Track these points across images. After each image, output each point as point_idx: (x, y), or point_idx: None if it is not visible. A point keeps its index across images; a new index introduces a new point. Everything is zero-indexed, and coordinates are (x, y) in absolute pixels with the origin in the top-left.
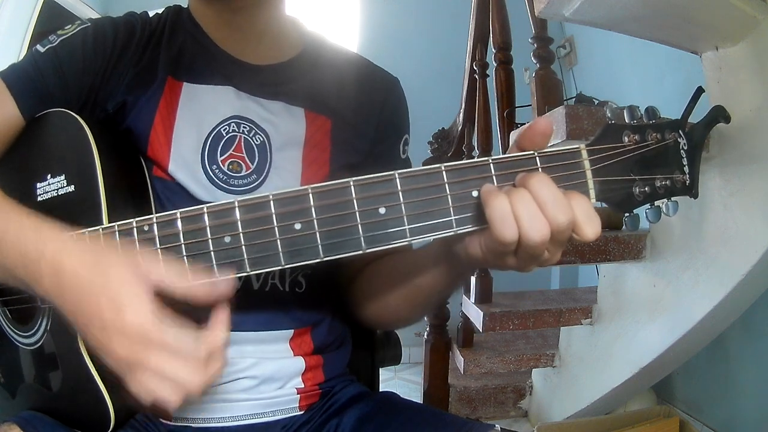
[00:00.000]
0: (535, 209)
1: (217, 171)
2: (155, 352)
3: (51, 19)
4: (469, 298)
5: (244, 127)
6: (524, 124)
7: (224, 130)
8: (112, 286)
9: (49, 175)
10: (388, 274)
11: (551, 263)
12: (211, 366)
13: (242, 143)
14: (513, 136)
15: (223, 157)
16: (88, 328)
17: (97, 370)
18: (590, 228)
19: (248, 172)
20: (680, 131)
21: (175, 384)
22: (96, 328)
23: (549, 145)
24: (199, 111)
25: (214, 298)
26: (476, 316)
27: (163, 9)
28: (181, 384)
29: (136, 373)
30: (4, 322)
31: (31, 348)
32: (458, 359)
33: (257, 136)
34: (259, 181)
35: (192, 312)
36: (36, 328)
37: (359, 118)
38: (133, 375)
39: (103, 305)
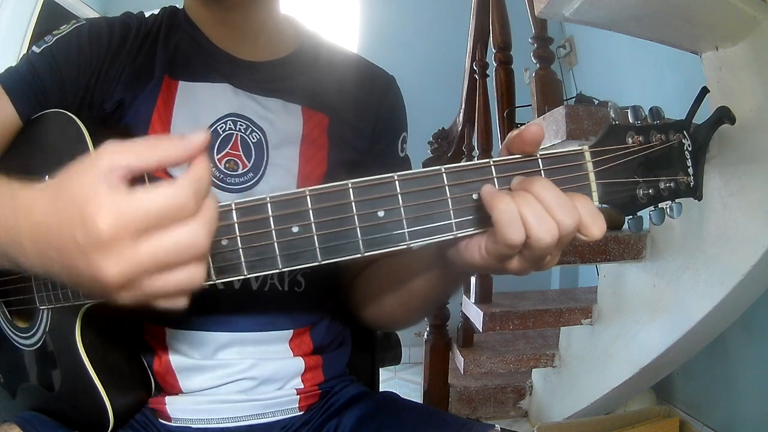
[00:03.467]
0: (541, 210)
1: (213, 169)
2: (143, 239)
3: (51, 19)
4: (469, 298)
5: (240, 124)
6: (524, 124)
7: (221, 128)
8: (74, 200)
9: (46, 176)
10: (384, 277)
11: (550, 267)
12: (205, 208)
13: (239, 141)
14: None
15: (219, 156)
16: (71, 264)
17: (96, 370)
18: (596, 227)
19: (245, 170)
20: (685, 132)
21: (177, 255)
22: (78, 259)
23: (549, 145)
24: (196, 109)
25: (191, 154)
26: (476, 316)
27: (159, 10)
28: (185, 251)
29: (141, 281)
30: (3, 323)
31: (31, 348)
32: (458, 359)
33: (254, 133)
34: (256, 179)
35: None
36: (35, 328)
37: (356, 115)
38: (138, 286)
39: (75, 228)
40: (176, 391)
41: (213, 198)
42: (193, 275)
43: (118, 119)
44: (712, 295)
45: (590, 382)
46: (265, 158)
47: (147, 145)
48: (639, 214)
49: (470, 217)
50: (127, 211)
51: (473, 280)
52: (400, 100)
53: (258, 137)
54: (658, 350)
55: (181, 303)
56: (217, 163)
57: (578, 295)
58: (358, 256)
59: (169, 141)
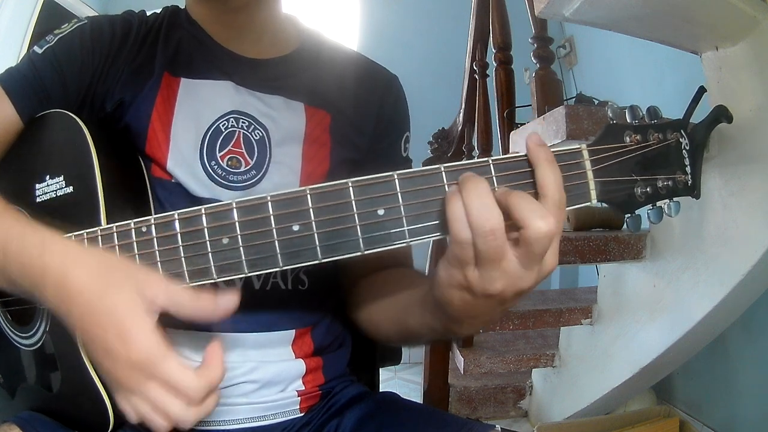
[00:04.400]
0: (480, 202)
1: (215, 167)
2: (155, 385)
3: (51, 19)
4: None
5: (243, 122)
6: (524, 124)
7: (223, 125)
8: (118, 313)
9: (47, 176)
10: (382, 301)
11: (525, 290)
12: (206, 403)
13: (241, 138)
14: (513, 136)
15: (222, 153)
16: (92, 346)
17: (96, 371)
18: (539, 220)
19: (247, 167)
20: (682, 131)
21: (166, 417)
22: (100, 351)
23: (549, 145)
24: (198, 106)
25: (218, 317)
26: None
27: (161, 9)
28: (172, 418)
29: (131, 397)
30: (3, 323)
31: (31, 349)
32: (458, 359)
33: (256, 131)
34: (259, 176)
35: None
36: (35, 329)
37: (358, 114)
38: (127, 397)
39: (109, 333)
40: None
41: (217, 396)
42: (165, 425)
43: (118, 119)
44: (712, 295)
45: (590, 382)
46: (268, 156)
47: (187, 296)
48: (637, 212)
49: None
50: (156, 362)
51: None
52: (403, 100)
53: (260, 134)
54: (658, 350)
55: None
56: (220, 161)
57: (578, 295)
58: (358, 254)
59: (205, 301)
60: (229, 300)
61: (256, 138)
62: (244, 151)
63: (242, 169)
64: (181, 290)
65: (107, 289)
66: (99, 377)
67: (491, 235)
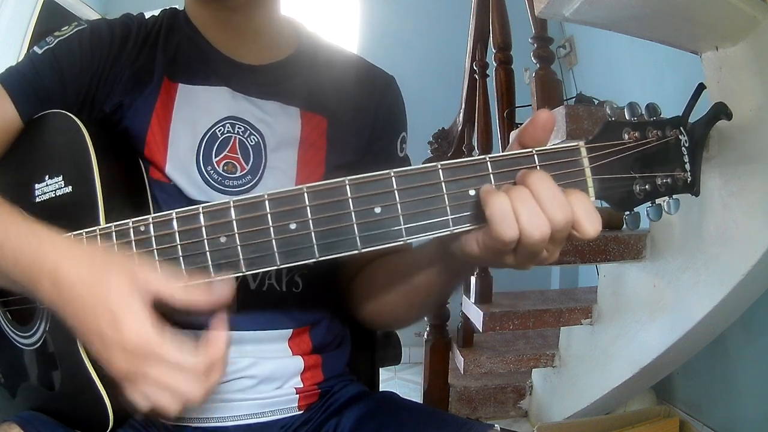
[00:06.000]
0: (534, 207)
1: (212, 172)
2: (155, 365)
3: (51, 19)
4: (469, 298)
5: (239, 127)
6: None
7: (219, 130)
8: (110, 299)
9: (47, 176)
10: (386, 273)
11: (550, 262)
12: (211, 376)
13: (237, 144)
14: (513, 135)
15: (218, 158)
16: (88, 338)
17: (95, 370)
18: (590, 225)
19: (243, 172)
20: (681, 128)
21: (174, 394)
22: (96, 341)
23: (549, 144)
24: (195, 112)
25: (213, 305)
26: (476, 316)
27: (159, 11)
28: (180, 394)
29: (136, 384)
30: (3, 323)
31: (31, 348)
32: (458, 359)
33: (252, 136)
34: (254, 181)
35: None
36: (35, 328)
37: (355, 116)
38: (132, 385)
39: (102, 320)
40: None
41: (222, 368)
42: (175, 405)
43: (117, 121)
44: (712, 295)
45: (590, 382)
46: (263, 161)
47: (178, 281)
48: (636, 210)
49: (466, 213)
50: (152, 343)
51: (473, 279)
52: (400, 100)
53: (256, 140)
54: (658, 350)
55: (151, 406)
56: (216, 166)
57: (578, 295)
58: (356, 252)
59: (198, 291)
60: (224, 288)
61: (251, 143)
62: (239, 156)
63: (238, 174)
64: (174, 274)
65: (99, 278)
66: (102, 376)
67: (542, 242)
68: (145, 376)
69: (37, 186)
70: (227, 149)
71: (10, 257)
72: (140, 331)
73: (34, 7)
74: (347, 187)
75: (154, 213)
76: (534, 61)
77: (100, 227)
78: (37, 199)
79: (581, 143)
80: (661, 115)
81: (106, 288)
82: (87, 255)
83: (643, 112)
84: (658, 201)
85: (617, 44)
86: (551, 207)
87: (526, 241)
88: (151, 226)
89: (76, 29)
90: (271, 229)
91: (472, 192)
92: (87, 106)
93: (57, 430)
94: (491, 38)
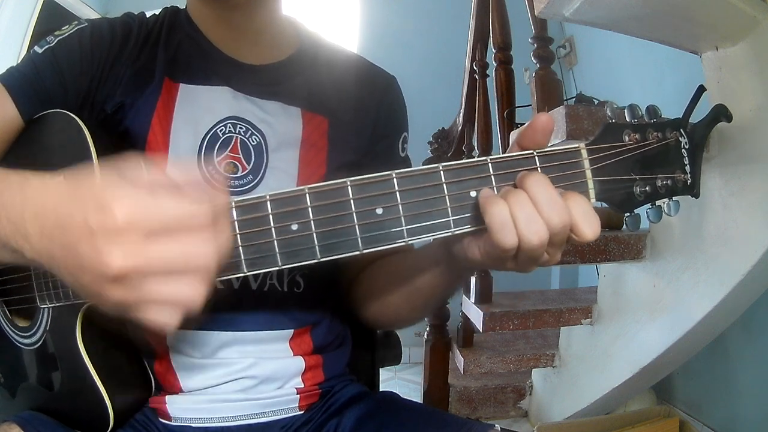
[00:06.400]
0: (532, 212)
1: (213, 172)
2: (153, 242)
3: (51, 19)
4: (469, 298)
5: (240, 127)
6: (524, 124)
7: (220, 130)
8: (95, 191)
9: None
10: (388, 274)
11: (551, 264)
12: (219, 229)
13: (238, 144)
14: (513, 135)
15: (219, 158)
16: (76, 252)
17: (96, 369)
18: (588, 228)
19: (244, 173)
20: (681, 130)
21: (185, 279)
22: (86, 246)
23: (549, 144)
24: (196, 112)
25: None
26: (476, 316)
27: (160, 10)
28: (195, 268)
29: (141, 280)
30: (4, 322)
31: (31, 348)
32: (458, 359)
33: (253, 136)
34: (255, 182)
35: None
36: (36, 327)
37: (356, 116)
38: (137, 286)
39: (89, 210)
40: (176, 390)
41: (228, 226)
42: (193, 291)
43: (118, 121)
44: (712, 295)
45: (590, 382)
46: (265, 161)
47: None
48: (636, 211)
49: (467, 215)
50: (146, 209)
51: (473, 280)
52: (401, 100)
53: (258, 140)
54: (658, 350)
55: (171, 319)
56: (217, 166)
57: (578, 295)
58: (357, 253)
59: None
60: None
61: (253, 143)
62: (241, 156)
63: (239, 174)
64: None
65: (83, 181)
66: (102, 376)
67: (541, 247)
68: (149, 258)
69: None
70: (229, 149)
71: (3, 215)
72: (131, 205)
73: (34, 7)
74: (349, 188)
75: None
76: (534, 61)
77: None
78: None
79: (582, 145)
80: (662, 117)
81: (89, 180)
82: (72, 175)
83: (644, 114)
84: (658, 203)
85: (617, 44)
86: (548, 211)
87: (525, 247)
88: None
89: (76, 28)
90: (273, 229)
91: (473, 193)
92: (88, 106)
93: (57, 430)
94: (491, 38)
